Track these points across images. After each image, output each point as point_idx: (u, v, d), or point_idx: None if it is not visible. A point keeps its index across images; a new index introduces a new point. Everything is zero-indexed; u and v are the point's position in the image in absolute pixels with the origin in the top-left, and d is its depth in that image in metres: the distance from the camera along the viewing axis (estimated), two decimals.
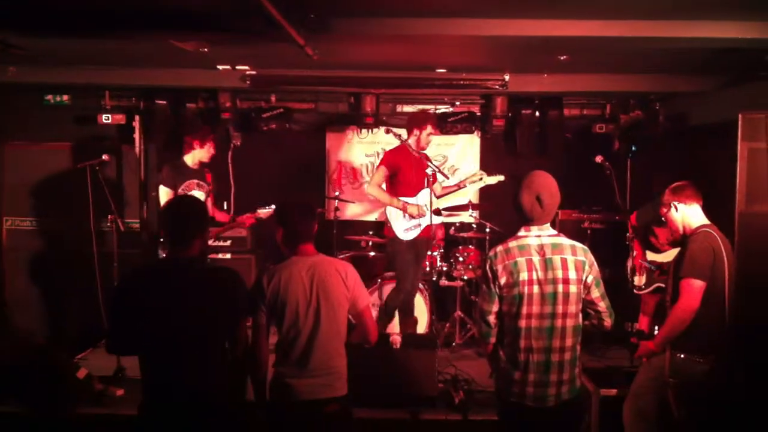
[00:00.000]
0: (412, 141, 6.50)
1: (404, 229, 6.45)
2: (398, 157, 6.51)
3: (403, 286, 6.55)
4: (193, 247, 3.44)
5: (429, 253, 7.13)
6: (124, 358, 6.01)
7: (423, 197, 6.45)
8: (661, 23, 4.89)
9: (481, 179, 6.77)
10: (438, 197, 6.68)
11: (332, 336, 3.72)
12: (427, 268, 7.37)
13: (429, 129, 6.43)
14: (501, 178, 6.80)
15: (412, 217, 6.39)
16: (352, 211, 8.55)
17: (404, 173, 6.48)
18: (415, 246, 6.51)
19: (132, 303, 3.33)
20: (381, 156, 7.24)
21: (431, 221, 6.38)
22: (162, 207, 6.19)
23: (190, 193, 6.52)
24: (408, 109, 8.39)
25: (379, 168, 6.65)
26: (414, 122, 6.58)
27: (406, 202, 6.42)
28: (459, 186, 6.81)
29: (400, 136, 6.45)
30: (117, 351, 3.66)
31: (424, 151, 6.55)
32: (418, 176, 6.45)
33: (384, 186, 6.55)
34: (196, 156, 6.76)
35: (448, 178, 6.55)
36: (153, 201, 8.03)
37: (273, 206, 6.47)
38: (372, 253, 7.67)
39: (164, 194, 6.57)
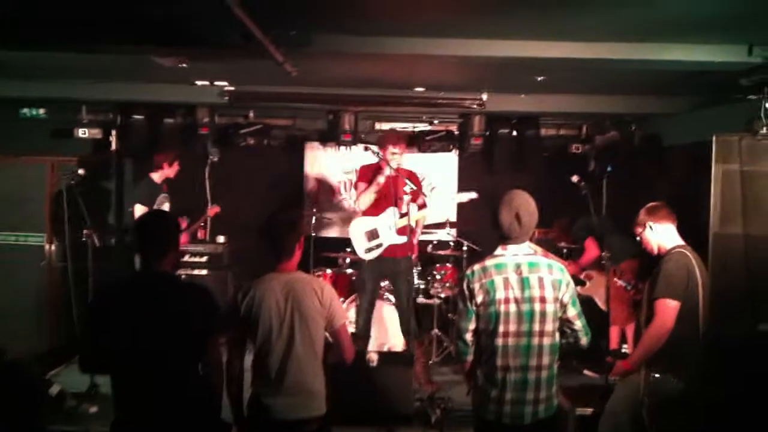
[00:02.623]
0: (380, 161, 6.43)
1: (364, 249, 6.43)
2: (366, 173, 6.52)
3: (360, 303, 6.52)
4: (166, 261, 3.43)
5: (413, 269, 6.91)
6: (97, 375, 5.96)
7: (386, 217, 6.40)
8: (636, 45, 4.96)
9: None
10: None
11: (308, 354, 3.66)
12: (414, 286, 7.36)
13: (390, 149, 6.33)
14: (473, 195, 6.76)
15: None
16: (329, 227, 8.54)
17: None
18: (381, 266, 6.46)
19: (104, 319, 3.31)
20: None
21: (393, 241, 6.36)
22: (135, 222, 6.28)
23: (163, 206, 6.84)
24: (386, 126, 8.44)
25: (357, 184, 6.69)
26: (379, 142, 6.57)
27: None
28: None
29: (378, 153, 6.41)
30: (89, 369, 3.59)
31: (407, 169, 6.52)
32: (384, 195, 6.38)
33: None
34: (164, 174, 7.13)
35: (425, 196, 6.52)
36: (129, 216, 7.99)
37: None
38: (349, 270, 7.65)
39: (140, 212, 6.71)
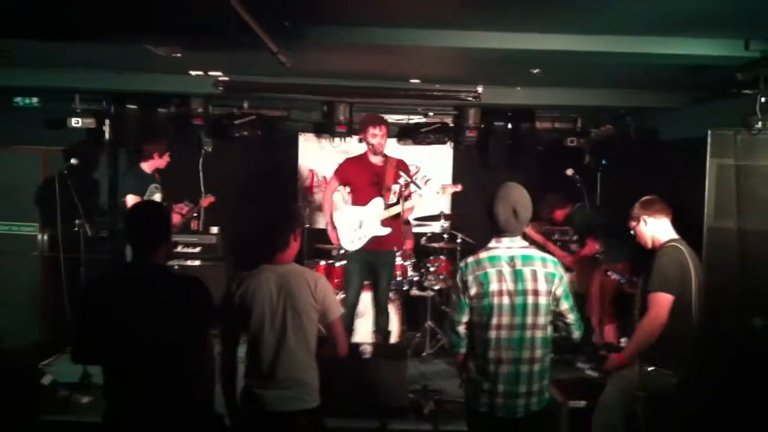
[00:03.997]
0: (367, 148, 6.40)
1: (350, 239, 6.37)
2: (350, 166, 6.48)
3: (346, 297, 6.43)
4: (158, 253, 3.41)
5: (394, 264, 6.90)
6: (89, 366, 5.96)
7: (372, 208, 6.34)
8: (633, 39, 4.94)
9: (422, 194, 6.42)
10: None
11: (300, 347, 3.67)
12: (398, 278, 7.34)
13: (372, 131, 6.25)
14: (458, 188, 6.70)
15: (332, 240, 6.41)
16: (324, 219, 8.52)
17: (355, 182, 6.44)
18: (364, 258, 6.39)
19: (96, 310, 3.29)
20: None
21: (377, 233, 6.29)
22: (126, 213, 6.29)
23: (154, 196, 6.80)
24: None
25: (331, 179, 6.67)
26: (360, 128, 6.51)
27: (334, 227, 6.43)
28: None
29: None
30: (82, 360, 3.57)
31: (391, 157, 6.41)
32: (369, 185, 6.35)
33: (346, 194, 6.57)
34: (154, 164, 7.06)
35: (420, 188, 6.44)
36: (122, 206, 7.96)
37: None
38: (343, 262, 7.61)
39: (133, 202, 6.70)
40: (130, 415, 3.29)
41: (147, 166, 7.03)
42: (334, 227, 6.45)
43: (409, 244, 7.75)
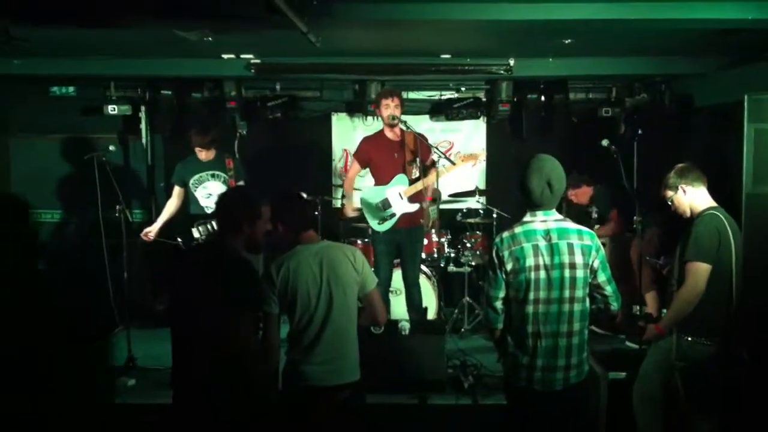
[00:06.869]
0: (383, 124, 6.38)
1: (377, 220, 6.32)
2: (367, 146, 6.44)
3: (378, 278, 6.30)
4: (231, 236, 3.64)
5: (425, 241, 6.88)
6: (134, 349, 6.11)
7: (395, 185, 6.31)
8: (663, 4, 4.87)
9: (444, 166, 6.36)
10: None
11: (344, 321, 3.74)
12: (435, 254, 7.35)
13: (384, 102, 6.23)
14: (475, 158, 6.78)
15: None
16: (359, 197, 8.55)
17: (376, 161, 6.39)
18: (394, 237, 6.35)
19: (172, 280, 3.68)
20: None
21: (406, 209, 6.28)
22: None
23: (206, 184, 6.78)
24: (413, 95, 8.41)
25: (352, 162, 6.63)
26: (374, 103, 6.49)
27: (350, 204, 6.53)
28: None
29: (405, 122, 6.34)
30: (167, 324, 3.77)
31: (422, 135, 6.38)
32: (390, 162, 6.32)
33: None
34: (201, 154, 6.82)
35: (454, 164, 6.41)
36: (160, 191, 8.06)
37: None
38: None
39: (174, 191, 6.89)
40: (180, 384, 3.58)
41: (200, 155, 6.84)
42: (350, 200, 6.51)
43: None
